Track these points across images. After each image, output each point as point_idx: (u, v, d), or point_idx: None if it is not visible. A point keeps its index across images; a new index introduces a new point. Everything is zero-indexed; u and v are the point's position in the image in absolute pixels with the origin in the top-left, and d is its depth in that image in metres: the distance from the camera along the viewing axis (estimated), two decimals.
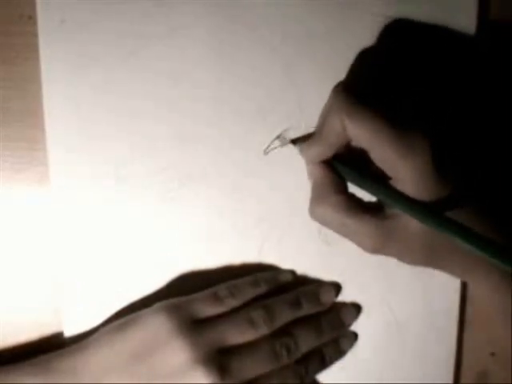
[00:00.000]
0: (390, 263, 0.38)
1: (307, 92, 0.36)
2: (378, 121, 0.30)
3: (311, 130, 0.36)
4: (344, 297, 0.39)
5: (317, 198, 0.32)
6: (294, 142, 0.35)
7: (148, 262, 0.38)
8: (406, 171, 0.29)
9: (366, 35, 0.36)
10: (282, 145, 0.36)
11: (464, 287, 0.40)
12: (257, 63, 0.36)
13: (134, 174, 0.37)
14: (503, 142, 0.37)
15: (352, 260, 0.39)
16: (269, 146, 0.36)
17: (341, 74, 0.36)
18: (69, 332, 0.38)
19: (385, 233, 0.31)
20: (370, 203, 0.32)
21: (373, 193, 0.32)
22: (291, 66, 0.36)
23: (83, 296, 0.38)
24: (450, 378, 0.41)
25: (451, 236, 0.29)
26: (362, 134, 0.30)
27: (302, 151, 0.34)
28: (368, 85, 0.35)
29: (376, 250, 0.32)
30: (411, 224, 0.31)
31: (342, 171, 0.32)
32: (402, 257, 0.32)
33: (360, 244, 0.32)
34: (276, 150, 0.37)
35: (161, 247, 0.38)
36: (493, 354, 0.41)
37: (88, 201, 0.36)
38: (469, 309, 0.40)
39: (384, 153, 0.30)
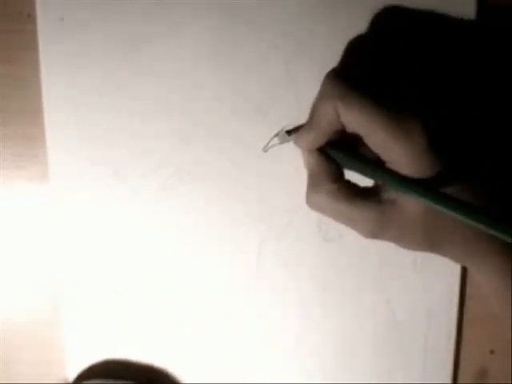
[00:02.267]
0: (390, 261, 0.39)
1: (306, 90, 0.36)
2: (371, 106, 0.29)
3: None
4: (343, 294, 0.39)
5: (312, 186, 0.32)
6: (289, 132, 0.35)
7: (148, 261, 0.38)
8: (400, 154, 0.29)
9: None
10: (281, 142, 0.36)
11: (463, 285, 0.40)
12: (256, 62, 0.36)
13: (133, 172, 0.37)
14: (499, 124, 0.37)
15: (352, 257, 0.39)
16: (268, 143, 0.36)
17: None
18: (69, 332, 0.37)
19: (382, 217, 0.31)
20: (365, 189, 0.32)
21: (368, 175, 0.32)
22: (291, 64, 0.36)
23: (83, 296, 0.38)
24: (448, 376, 0.41)
25: (448, 211, 0.29)
26: (356, 120, 0.30)
27: (295, 140, 0.34)
28: (362, 70, 0.35)
29: (374, 234, 0.32)
30: (408, 208, 0.30)
31: (336, 157, 0.32)
32: (399, 241, 0.32)
33: (358, 230, 0.32)
34: (275, 148, 0.37)
35: (160, 247, 0.38)
36: (492, 352, 0.41)
37: (87, 199, 0.36)
38: (468, 307, 0.40)
39: (378, 137, 0.30)
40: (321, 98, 0.31)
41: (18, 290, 0.37)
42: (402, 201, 0.31)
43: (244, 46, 0.36)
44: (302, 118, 0.36)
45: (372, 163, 0.31)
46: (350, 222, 0.32)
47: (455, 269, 0.39)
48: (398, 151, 0.29)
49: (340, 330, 0.40)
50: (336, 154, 0.32)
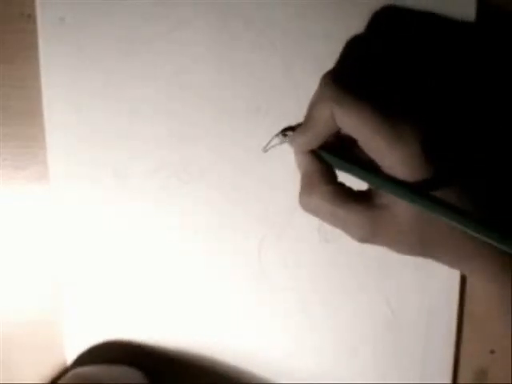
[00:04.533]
0: (390, 261, 0.39)
1: (306, 91, 0.36)
2: (366, 110, 0.29)
3: None
4: (343, 294, 0.39)
5: (306, 188, 0.32)
6: (284, 132, 0.35)
7: (148, 261, 0.38)
8: (394, 160, 0.29)
9: None
10: (281, 142, 0.36)
11: (463, 285, 0.40)
12: (256, 62, 0.36)
13: (133, 173, 0.37)
14: (494, 127, 0.37)
15: (351, 258, 0.39)
16: (268, 143, 0.36)
17: None
18: (69, 332, 0.37)
19: (374, 222, 0.31)
20: (359, 193, 0.32)
21: (361, 178, 0.32)
22: (291, 64, 0.36)
23: (83, 295, 0.38)
24: (448, 376, 0.41)
25: (439, 216, 0.29)
26: (351, 123, 0.30)
27: (290, 140, 0.34)
28: (358, 71, 0.34)
29: (365, 239, 0.31)
30: (401, 213, 0.30)
31: (330, 160, 0.32)
32: (392, 246, 0.32)
33: (350, 233, 0.32)
34: (275, 148, 0.37)
35: (160, 247, 0.38)
36: (492, 352, 0.41)
37: (87, 200, 0.36)
38: (468, 307, 0.40)
39: (373, 142, 0.30)
40: (317, 100, 0.31)
41: (18, 289, 0.37)
42: (394, 206, 0.30)
43: (244, 46, 0.36)
44: (302, 118, 0.36)
45: (365, 166, 0.31)
46: (342, 226, 0.32)
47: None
48: (392, 156, 0.29)
49: (340, 330, 0.40)
50: (329, 157, 0.32)
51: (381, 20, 0.35)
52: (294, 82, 0.37)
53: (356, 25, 0.36)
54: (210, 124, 0.37)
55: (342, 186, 0.32)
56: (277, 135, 0.36)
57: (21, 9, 0.35)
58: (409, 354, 0.40)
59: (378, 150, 0.30)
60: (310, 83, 0.36)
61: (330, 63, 0.36)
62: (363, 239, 0.32)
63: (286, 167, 0.37)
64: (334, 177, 0.32)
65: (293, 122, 0.36)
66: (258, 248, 0.38)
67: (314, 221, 0.37)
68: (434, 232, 0.31)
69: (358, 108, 0.29)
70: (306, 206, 0.33)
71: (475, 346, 0.41)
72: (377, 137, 0.29)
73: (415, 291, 0.40)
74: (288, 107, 0.37)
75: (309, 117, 0.32)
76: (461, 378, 0.41)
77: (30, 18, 0.35)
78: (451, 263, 0.33)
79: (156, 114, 0.36)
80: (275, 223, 0.38)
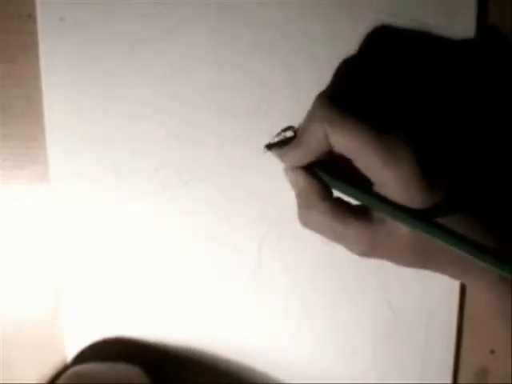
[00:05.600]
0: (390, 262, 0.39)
1: (306, 90, 0.36)
2: (361, 130, 0.29)
3: None
4: (343, 294, 0.39)
5: (304, 206, 0.32)
6: (269, 147, 0.34)
7: (147, 261, 0.38)
8: (391, 180, 0.29)
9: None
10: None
11: (463, 285, 0.40)
12: (256, 62, 0.36)
13: (133, 173, 0.37)
14: (497, 147, 0.37)
15: (352, 257, 0.39)
16: (268, 143, 0.36)
17: None
18: (69, 332, 0.37)
19: (374, 237, 0.31)
20: (358, 207, 0.32)
21: (356, 198, 0.31)
22: (291, 64, 0.36)
23: (83, 296, 0.38)
24: (448, 376, 0.41)
25: (435, 239, 0.29)
26: (346, 144, 0.29)
27: (281, 156, 0.33)
28: (353, 91, 0.34)
29: (366, 254, 0.32)
30: (400, 228, 0.30)
31: (324, 178, 0.32)
32: (391, 260, 0.32)
33: (350, 248, 0.32)
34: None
35: (160, 247, 0.38)
36: (492, 352, 0.41)
37: (87, 199, 0.36)
38: (468, 306, 0.40)
39: (369, 162, 0.29)
40: (311, 119, 0.31)
41: (18, 289, 0.37)
42: (392, 221, 0.30)
43: (244, 46, 0.36)
44: (302, 118, 0.36)
45: (359, 186, 0.31)
46: (342, 241, 0.32)
47: None
48: (388, 176, 0.29)
49: (340, 330, 0.40)
50: (323, 175, 0.32)
51: (375, 38, 0.35)
52: (294, 81, 0.36)
53: (356, 25, 0.36)
54: (210, 124, 0.37)
55: (339, 200, 0.32)
56: (277, 135, 0.36)
57: (21, 9, 0.35)
58: (409, 354, 0.41)
59: (374, 170, 0.29)
60: (310, 83, 0.37)
61: (330, 63, 0.36)
62: (364, 254, 0.32)
63: None
64: (330, 192, 0.32)
65: (293, 122, 0.36)
66: (258, 248, 0.38)
67: None
68: (433, 245, 0.31)
69: (353, 129, 0.29)
70: (306, 224, 0.33)
71: (475, 346, 0.41)
72: (373, 157, 0.29)
73: (415, 291, 0.40)
74: (288, 107, 0.37)
75: (302, 135, 0.31)
76: (461, 378, 0.41)
77: (30, 17, 0.35)
78: (451, 274, 0.33)
79: (156, 113, 0.36)
80: (275, 223, 0.38)
